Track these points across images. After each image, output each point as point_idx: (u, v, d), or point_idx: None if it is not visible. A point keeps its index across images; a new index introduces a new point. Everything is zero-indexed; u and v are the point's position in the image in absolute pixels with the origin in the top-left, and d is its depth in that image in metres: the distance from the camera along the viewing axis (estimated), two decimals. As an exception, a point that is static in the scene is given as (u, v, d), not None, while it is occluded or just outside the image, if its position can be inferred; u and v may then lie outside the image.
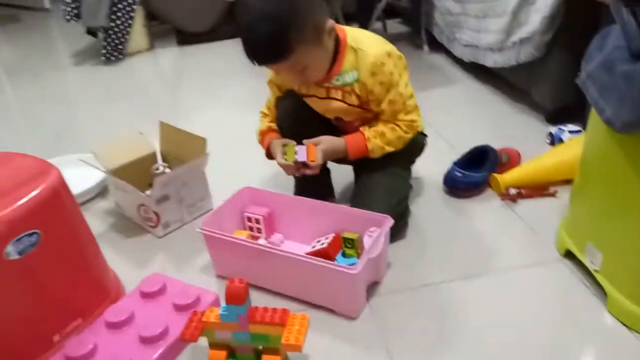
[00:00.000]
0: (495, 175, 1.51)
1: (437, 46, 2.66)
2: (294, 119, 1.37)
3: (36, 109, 2.59)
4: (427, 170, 1.61)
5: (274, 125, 1.41)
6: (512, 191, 1.48)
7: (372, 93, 1.25)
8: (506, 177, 1.51)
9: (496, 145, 1.61)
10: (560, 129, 1.71)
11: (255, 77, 2.25)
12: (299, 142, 1.29)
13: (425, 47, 2.76)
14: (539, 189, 1.49)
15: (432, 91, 2.27)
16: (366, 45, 1.24)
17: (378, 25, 3.00)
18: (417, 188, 1.55)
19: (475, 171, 1.51)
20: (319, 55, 1.20)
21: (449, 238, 1.36)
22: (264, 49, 1.14)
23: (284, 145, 1.31)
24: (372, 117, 1.32)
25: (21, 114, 2.63)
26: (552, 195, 1.48)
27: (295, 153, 1.26)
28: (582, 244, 1.15)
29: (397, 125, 1.29)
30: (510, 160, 1.61)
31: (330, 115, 1.36)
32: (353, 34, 1.27)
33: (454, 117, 2.04)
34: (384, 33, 3.00)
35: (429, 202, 1.51)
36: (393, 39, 3.00)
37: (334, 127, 1.39)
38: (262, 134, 1.42)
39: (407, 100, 1.28)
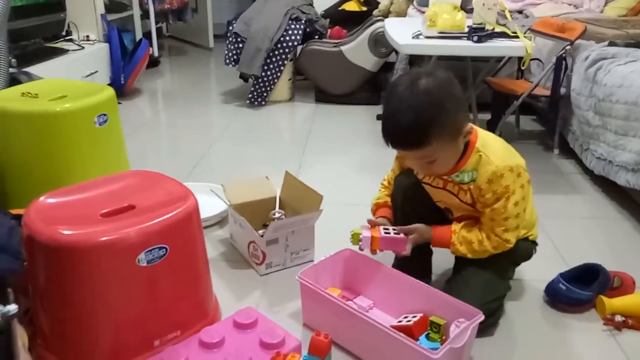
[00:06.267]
0: (603, 297, 1.45)
1: (567, 152, 2.61)
2: (407, 197, 1.43)
3: (181, 135, 2.90)
4: (532, 275, 1.58)
5: (389, 201, 1.48)
6: (618, 318, 1.41)
7: (483, 197, 1.28)
8: (615, 302, 1.44)
9: (610, 266, 1.54)
10: (686, 266, 1.61)
11: (378, 146, 2.36)
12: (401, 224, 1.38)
13: (556, 151, 2.71)
14: (649, 323, 1.41)
15: (554, 197, 2.23)
16: (492, 153, 1.26)
17: (511, 119, 3.01)
18: (518, 290, 1.52)
19: (581, 288, 1.46)
20: (449, 153, 1.25)
21: (537, 348, 1.32)
22: (403, 136, 1.20)
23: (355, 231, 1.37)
24: (478, 218, 1.34)
25: (167, 137, 2.97)
26: (663, 333, 1.39)
27: (360, 240, 1.34)
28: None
29: (489, 238, 1.30)
30: (622, 285, 1.53)
31: (441, 205, 1.41)
32: (484, 138, 1.30)
33: (571, 227, 1.98)
34: (515, 128, 3.00)
35: (526, 308, 1.48)
36: (524, 136, 3.02)
37: (442, 213, 1.43)
38: (377, 206, 1.50)
39: (510, 218, 1.27)
